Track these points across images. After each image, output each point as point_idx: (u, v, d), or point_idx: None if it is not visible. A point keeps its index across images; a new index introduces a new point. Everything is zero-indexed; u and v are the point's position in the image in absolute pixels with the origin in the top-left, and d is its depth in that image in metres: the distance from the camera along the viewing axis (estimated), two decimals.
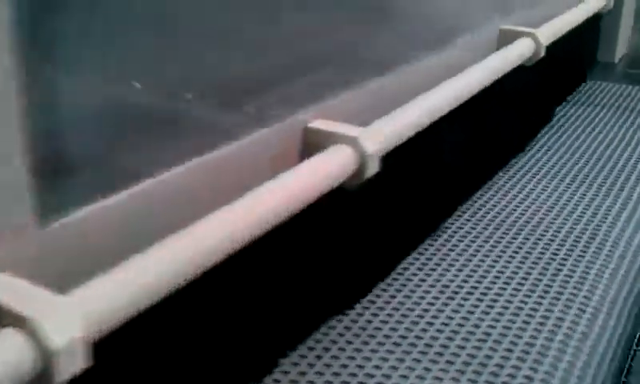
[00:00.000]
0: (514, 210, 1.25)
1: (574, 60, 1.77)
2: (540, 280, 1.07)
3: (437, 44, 1.06)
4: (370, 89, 0.88)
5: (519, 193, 1.32)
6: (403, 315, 0.98)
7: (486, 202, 1.28)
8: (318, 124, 0.78)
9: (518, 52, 1.20)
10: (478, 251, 1.13)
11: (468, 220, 1.22)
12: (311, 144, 0.78)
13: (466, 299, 1.01)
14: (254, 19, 0.72)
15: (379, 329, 0.95)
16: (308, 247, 0.84)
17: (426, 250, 1.13)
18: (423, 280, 1.05)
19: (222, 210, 0.61)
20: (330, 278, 0.91)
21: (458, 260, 1.11)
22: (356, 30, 0.89)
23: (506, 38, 1.25)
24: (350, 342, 0.92)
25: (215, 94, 0.70)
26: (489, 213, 1.24)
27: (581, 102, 1.79)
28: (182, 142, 0.65)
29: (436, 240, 1.15)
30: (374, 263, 1.00)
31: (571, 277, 1.08)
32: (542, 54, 1.25)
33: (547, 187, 1.35)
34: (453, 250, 1.13)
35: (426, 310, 0.99)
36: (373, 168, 0.77)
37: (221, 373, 0.76)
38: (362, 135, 0.76)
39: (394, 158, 0.91)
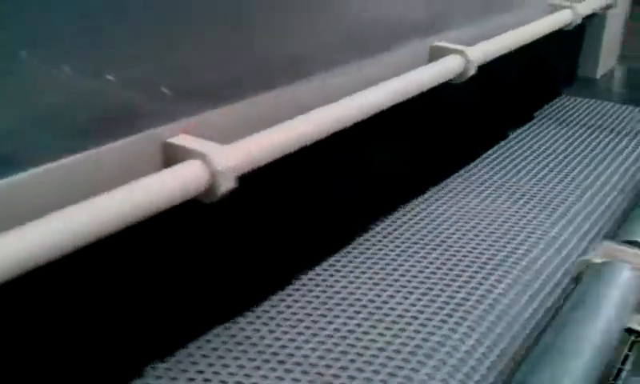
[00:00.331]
0: (433, 227, 1.26)
1: (537, 76, 1.75)
2: (444, 291, 1.08)
3: (342, 60, 1.07)
4: (249, 105, 0.90)
5: (447, 210, 1.32)
6: (292, 326, 1.00)
7: (408, 218, 1.29)
8: (179, 139, 0.81)
9: (441, 68, 1.21)
10: (388, 265, 1.15)
11: (384, 237, 1.23)
12: (170, 158, 0.81)
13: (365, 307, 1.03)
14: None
15: (263, 338, 0.97)
16: (160, 256, 0.86)
17: (338, 261, 1.15)
18: (324, 291, 1.07)
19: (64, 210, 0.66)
20: (191, 287, 0.93)
21: (366, 272, 1.13)
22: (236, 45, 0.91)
23: (436, 56, 1.26)
24: (230, 351, 0.95)
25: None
26: (407, 228, 1.25)
27: (548, 117, 1.78)
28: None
29: (350, 253, 1.17)
30: (256, 274, 1.02)
31: (475, 291, 1.08)
32: (472, 71, 1.25)
33: (479, 203, 1.35)
34: (364, 263, 1.15)
35: (315, 322, 1.01)
36: (226, 184, 0.80)
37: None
38: (213, 152, 0.79)
39: (272, 176, 0.93)
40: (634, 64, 2.27)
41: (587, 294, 1.09)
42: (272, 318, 1.01)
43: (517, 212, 1.32)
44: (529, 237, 1.25)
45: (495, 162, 1.52)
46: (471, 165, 1.49)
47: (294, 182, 1.02)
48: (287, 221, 1.04)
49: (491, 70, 1.37)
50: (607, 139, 1.66)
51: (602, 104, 1.87)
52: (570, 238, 1.28)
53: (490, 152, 1.56)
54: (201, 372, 0.91)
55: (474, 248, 1.20)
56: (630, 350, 1.20)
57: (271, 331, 0.98)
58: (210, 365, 0.92)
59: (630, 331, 1.13)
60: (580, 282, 1.16)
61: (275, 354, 0.94)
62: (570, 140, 1.65)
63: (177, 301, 0.91)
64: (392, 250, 1.19)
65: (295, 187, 1.03)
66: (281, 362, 0.92)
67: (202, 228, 0.89)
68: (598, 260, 1.19)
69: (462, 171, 1.46)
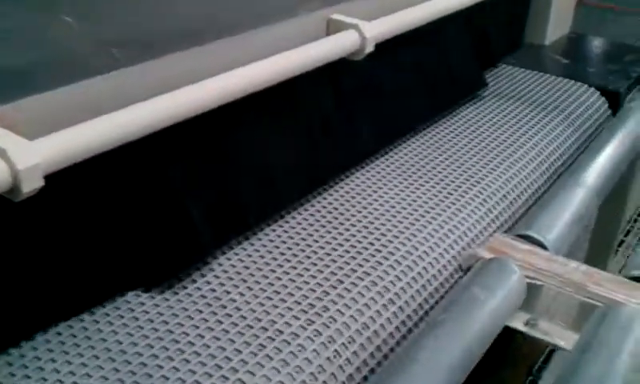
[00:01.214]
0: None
1: (473, 43, 1.67)
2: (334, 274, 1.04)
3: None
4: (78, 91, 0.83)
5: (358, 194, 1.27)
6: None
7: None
8: None
9: (331, 45, 1.13)
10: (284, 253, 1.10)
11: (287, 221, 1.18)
12: None
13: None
14: None
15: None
16: None
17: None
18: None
19: None
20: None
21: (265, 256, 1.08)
22: None
23: (333, 30, 1.18)
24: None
25: None
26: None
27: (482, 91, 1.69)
28: None
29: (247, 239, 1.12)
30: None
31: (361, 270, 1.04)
32: (368, 48, 1.18)
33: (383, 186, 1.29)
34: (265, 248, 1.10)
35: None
36: (31, 184, 0.74)
37: None
38: (16, 148, 0.73)
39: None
40: (592, 31, 2.17)
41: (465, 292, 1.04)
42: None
43: (420, 196, 1.26)
44: (419, 220, 1.19)
45: (414, 146, 1.45)
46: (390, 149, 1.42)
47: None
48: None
49: (414, 37, 1.30)
50: (537, 118, 1.59)
51: (540, 76, 1.78)
52: (473, 226, 1.22)
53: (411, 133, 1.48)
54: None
55: (365, 232, 1.15)
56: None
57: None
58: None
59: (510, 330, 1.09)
60: (464, 277, 1.12)
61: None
62: (497, 117, 1.58)
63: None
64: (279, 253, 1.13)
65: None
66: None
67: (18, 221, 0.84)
68: (487, 255, 1.14)
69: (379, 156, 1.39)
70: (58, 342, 0.89)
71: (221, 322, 0.94)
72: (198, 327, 0.93)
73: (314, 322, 0.95)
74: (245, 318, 0.95)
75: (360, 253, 1.10)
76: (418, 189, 1.28)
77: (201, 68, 0.98)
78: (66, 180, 0.80)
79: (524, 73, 1.80)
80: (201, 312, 0.95)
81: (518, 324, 1.11)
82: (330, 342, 0.93)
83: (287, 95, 1.17)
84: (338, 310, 0.98)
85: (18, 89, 0.78)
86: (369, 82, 1.36)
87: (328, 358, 0.91)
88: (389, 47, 1.27)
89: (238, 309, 0.96)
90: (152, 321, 0.93)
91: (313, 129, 1.24)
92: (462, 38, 1.60)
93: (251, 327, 0.93)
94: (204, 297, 0.98)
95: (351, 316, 0.98)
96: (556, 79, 1.77)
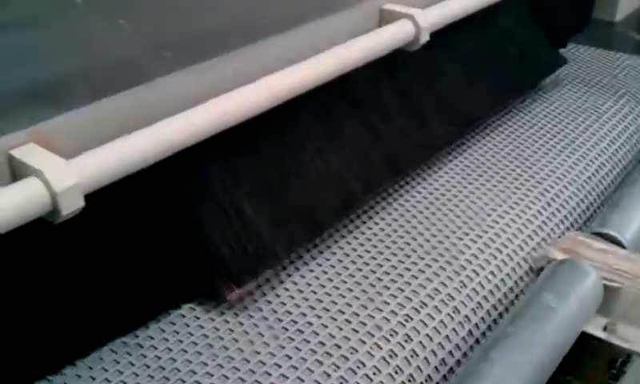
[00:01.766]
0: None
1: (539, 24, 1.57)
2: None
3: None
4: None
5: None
6: None
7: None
8: (21, 151, 0.72)
9: (385, 37, 1.07)
10: None
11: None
12: (16, 173, 0.72)
13: None
14: None
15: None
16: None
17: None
18: None
19: None
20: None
21: None
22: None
23: (386, 20, 1.12)
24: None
25: None
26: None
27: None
28: None
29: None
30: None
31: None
32: (423, 39, 1.11)
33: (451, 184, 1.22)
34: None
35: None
36: (70, 206, 0.70)
37: None
38: (53, 168, 0.69)
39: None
40: None
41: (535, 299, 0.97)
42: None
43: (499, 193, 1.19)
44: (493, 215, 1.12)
45: (484, 141, 1.37)
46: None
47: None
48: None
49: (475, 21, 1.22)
50: (607, 103, 1.48)
51: (611, 56, 1.66)
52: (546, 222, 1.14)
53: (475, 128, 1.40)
54: None
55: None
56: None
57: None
58: None
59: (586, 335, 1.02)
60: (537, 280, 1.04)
61: None
62: (564, 104, 1.48)
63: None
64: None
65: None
66: None
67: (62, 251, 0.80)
68: (559, 255, 1.06)
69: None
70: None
71: (299, 350, 0.88)
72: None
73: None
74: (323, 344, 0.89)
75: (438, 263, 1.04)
76: (492, 187, 1.21)
77: (246, 70, 0.93)
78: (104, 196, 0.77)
79: (592, 53, 1.69)
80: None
81: (596, 329, 1.03)
82: (390, 357, 0.87)
83: (342, 91, 1.12)
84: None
85: (53, 104, 0.74)
86: (430, 71, 1.29)
87: (389, 375, 0.86)
88: (450, 33, 1.20)
89: (315, 333, 0.90)
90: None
91: (373, 124, 1.17)
92: (527, 17, 1.51)
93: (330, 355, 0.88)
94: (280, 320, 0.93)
95: (413, 327, 0.92)
96: (628, 59, 1.65)
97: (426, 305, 0.95)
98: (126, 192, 0.81)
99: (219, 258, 0.89)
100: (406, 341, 0.90)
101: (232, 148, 0.95)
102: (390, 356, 0.88)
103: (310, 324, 0.91)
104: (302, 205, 0.99)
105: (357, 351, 0.86)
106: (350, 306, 0.94)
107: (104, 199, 0.76)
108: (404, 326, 0.92)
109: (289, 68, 0.98)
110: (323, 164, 1.04)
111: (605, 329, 1.02)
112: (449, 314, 0.96)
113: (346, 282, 0.99)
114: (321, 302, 0.95)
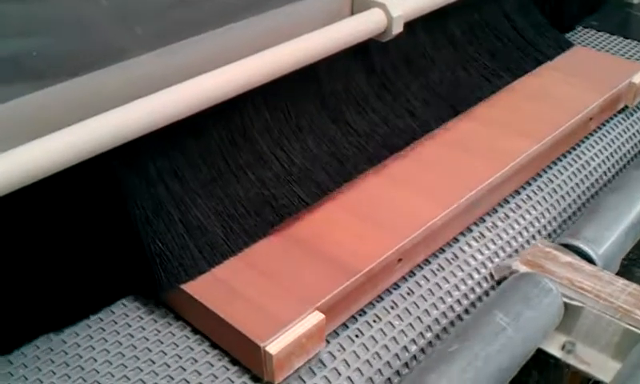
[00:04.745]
0: None
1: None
2: None
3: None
4: None
5: None
6: None
7: None
8: None
9: (353, 26, 1.01)
10: None
11: None
12: None
13: None
14: None
15: None
16: None
17: None
18: None
19: None
20: None
21: None
22: None
23: (359, 9, 1.06)
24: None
25: None
26: None
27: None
28: None
29: None
30: None
31: None
32: (396, 29, 1.05)
33: None
34: None
35: None
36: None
37: None
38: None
39: None
40: None
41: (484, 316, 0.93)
42: None
43: None
44: None
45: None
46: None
47: None
48: None
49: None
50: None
51: (627, 44, 1.56)
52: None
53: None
54: None
55: None
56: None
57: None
58: None
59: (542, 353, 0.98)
60: (491, 294, 1.00)
61: None
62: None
63: None
64: None
65: None
66: None
67: None
68: (522, 267, 1.01)
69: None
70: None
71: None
72: None
73: None
74: None
75: None
76: None
77: (208, 56, 0.90)
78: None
79: (607, 39, 1.59)
80: None
81: (554, 348, 0.99)
82: None
83: (310, 80, 1.07)
84: None
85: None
86: (415, 56, 1.23)
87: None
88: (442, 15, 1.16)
89: None
90: None
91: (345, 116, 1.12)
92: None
93: None
94: None
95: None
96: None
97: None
98: (62, 184, 0.80)
99: (156, 255, 0.87)
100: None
101: (175, 140, 0.92)
102: None
103: None
104: (251, 202, 0.96)
105: None
106: None
107: (38, 192, 0.76)
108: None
109: (254, 55, 0.94)
110: (278, 162, 1.00)
111: (563, 347, 0.98)
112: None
113: None
114: None
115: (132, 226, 0.87)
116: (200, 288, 0.86)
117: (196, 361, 0.83)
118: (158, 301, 0.91)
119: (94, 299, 0.88)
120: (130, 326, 0.87)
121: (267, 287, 0.87)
